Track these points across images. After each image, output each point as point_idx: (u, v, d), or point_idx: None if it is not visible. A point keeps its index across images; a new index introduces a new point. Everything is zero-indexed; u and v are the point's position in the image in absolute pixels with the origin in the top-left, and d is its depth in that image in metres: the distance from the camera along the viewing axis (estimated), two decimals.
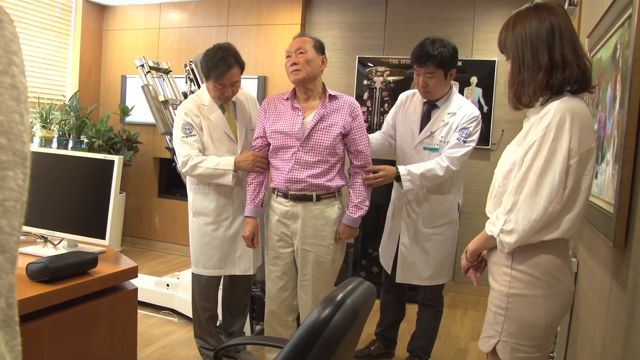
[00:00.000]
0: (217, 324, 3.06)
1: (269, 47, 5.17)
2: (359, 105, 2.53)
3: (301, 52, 2.42)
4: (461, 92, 4.48)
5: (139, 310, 2.23)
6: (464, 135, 2.64)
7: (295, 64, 2.43)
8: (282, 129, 2.47)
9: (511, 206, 1.50)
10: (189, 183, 2.85)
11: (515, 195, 1.50)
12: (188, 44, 5.45)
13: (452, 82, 2.78)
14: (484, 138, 4.45)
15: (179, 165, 2.71)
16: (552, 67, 1.52)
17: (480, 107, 4.47)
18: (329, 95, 2.48)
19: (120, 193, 5.30)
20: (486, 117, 4.48)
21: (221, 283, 3.03)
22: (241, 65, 2.70)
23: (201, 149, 2.70)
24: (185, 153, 2.65)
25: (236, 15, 5.29)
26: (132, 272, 2.00)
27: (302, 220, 2.48)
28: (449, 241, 2.82)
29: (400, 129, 2.86)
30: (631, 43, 1.51)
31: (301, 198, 2.47)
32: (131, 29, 5.72)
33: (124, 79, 5.72)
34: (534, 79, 1.54)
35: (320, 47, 2.50)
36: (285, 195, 2.49)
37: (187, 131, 2.68)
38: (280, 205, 2.53)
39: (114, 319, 1.89)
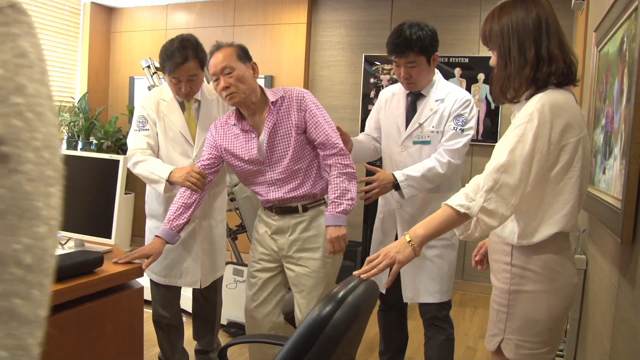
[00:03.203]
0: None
1: (275, 47, 5.17)
2: (306, 94, 2.23)
3: (228, 73, 2.13)
4: (468, 89, 4.46)
5: (146, 310, 2.23)
6: (460, 123, 2.35)
7: (226, 87, 2.13)
8: (241, 156, 2.26)
9: (492, 184, 1.43)
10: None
11: (497, 173, 1.44)
12: None
13: (435, 69, 2.47)
14: (492, 135, 4.43)
15: None
16: (539, 61, 1.49)
17: (488, 104, 4.45)
18: (271, 102, 2.20)
19: (128, 194, 5.33)
20: (494, 114, 4.46)
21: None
22: (200, 59, 2.43)
23: (152, 145, 2.50)
24: (131, 147, 2.47)
25: (242, 15, 5.30)
26: (138, 271, 2.00)
27: (290, 233, 2.28)
28: (454, 247, 2.50)
29: (384, 127, 2.57)
30: (637, 35, 1.49)
31: (286, 210, 2.28)
32: (138, 30, 5.75)
33: (132, 80, 5.75)
34: (519, 73, 1.51)
35: (244, 55, 2.20)
36: (271, 209, 2.33)
37: (141, 124, 2.51)
38: (268, 218, 2.35)
39: (119, 317, 1.89)
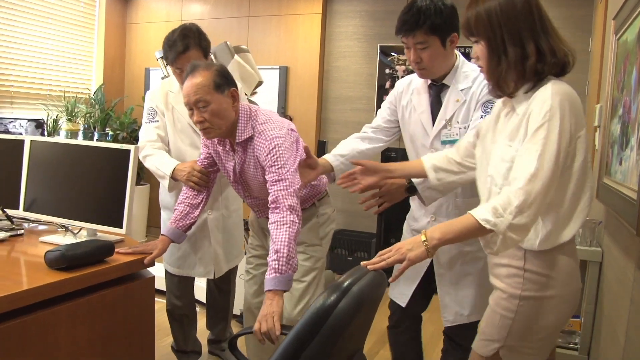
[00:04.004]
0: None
1: (290, 37, 5.16)
2: (263, 150, 1.94)
3: (203, 106, 1.91)
4: None
5: (159, 300, 2.24)
6: (489, 110, 1.95)
7: (200, 122, 1.93)
8: (225, 171, 2.14)
9: (525, 198, 1.31)
10: None
11: (530, 184, 1.31)
12: (209, 36, 5.44)
13: (456, 51, 2.09)
14: None
15: None
16: (540, 52, 1.39)
17: None
18: (237, 142, 2.00)
19: (144, 185, 5.37)
20: None
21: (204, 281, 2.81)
22: (203, 48, 2.38)
23: (163, 136, 2.50)
24: (142, 139, 2.48)
25: (257, 6, 5.29)
26: (150, 261, 2.01)
27: None
28: None
29: (407, 129, 2.19)
30: None
31: None
32: (154, 22, 5.77)
33: (147, 71, 5.77)
34: (517, 66, 1.40)
35: (222, 82, 1.94)
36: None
37: (150, 116, 2.51)
38: (259, 217, 2.27)
39: (130, 307, 1.90)
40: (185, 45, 2.32)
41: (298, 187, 1.92)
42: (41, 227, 2.35)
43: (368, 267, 1.38)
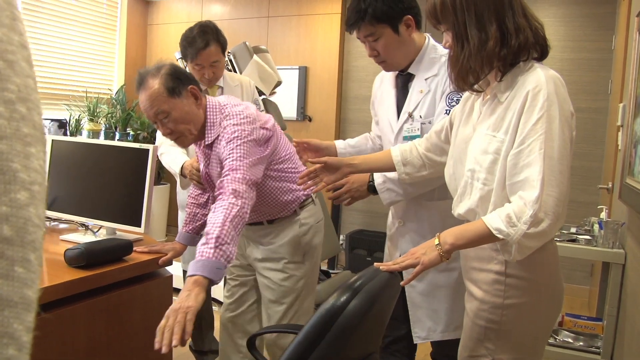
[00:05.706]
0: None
1: (309, 38, 5.16)
2: (229, 130, 1.76)
3: (165, 117, 1.76)
4: None
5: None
6: (454, 102, 1.76)
7: (169, 134, 1.80)
8: (203, 174, 2.00)
9: (539, 206, 1.20)
10: None
11: (544, 188, 1.20)
12: (229, 36, 5.42)
13: (424, 34, 1.90)
14: None
15: None
16: (503, 35, 1.27)
17: None
18: (206, 144, 1.86)
19: (164, 184, 5.42)
20: None
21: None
22: (222, 44, 2.42)
23: None
24: (158, 137, 2.45)
25: (277, 6, 5.30)
26: (167, 260, 2.02)
27: (256, 243, 2.03)
28: None
29: (380, 124, 2.04)
30: None
31: (251, 223, 2.01)
32: (174, 22, 5.82)
33: None
34: (480, 51, 1.28)
35: (176, 84, 1.76)
36: None
37: None
38: None
39: (148, 305, 1.92)
40: (206, 42, 2.36)
41: (253, 179, 1.71)
42: (62, 226, 2.38)
43: (381, 268, 1.33)
